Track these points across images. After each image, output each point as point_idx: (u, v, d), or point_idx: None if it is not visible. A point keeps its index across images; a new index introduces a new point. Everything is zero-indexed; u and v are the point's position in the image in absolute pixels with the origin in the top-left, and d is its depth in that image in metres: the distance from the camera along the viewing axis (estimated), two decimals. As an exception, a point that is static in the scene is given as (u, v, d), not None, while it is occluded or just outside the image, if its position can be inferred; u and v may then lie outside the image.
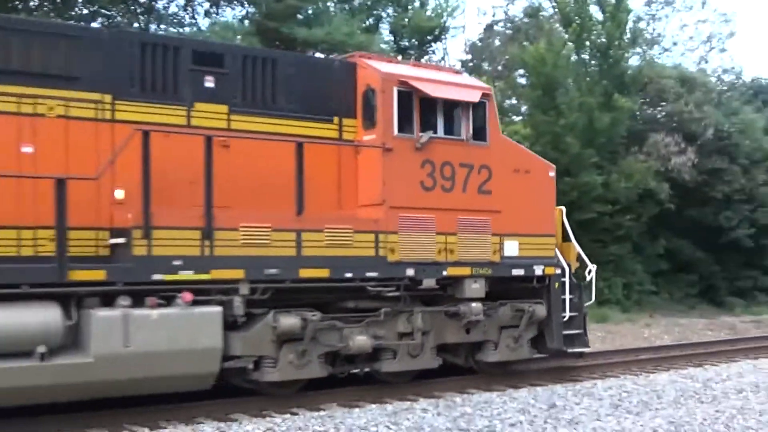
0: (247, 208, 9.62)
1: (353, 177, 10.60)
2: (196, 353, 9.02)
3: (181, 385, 9.22)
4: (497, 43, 28.70)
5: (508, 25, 29.80)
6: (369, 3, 24.33)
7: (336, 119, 10.59)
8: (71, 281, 8.38)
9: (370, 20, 24.45)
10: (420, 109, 10.63)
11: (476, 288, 11.03)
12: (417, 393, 10.74)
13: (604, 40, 24.38)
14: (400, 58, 21.84)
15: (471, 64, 27.98)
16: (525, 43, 26.03)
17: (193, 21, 22.68)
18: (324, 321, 9.99)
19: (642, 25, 29.40)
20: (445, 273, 10.75)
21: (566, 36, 24.68)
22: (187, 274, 8.97)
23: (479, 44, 28.96)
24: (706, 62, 32.84)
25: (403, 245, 10.41)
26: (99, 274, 8.55)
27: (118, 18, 20.97)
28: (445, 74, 11.66)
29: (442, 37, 26.17)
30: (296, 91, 10.32)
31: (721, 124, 27.45)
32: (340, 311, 10.31)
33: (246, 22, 21.67)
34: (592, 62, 25.16)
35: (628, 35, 25.90)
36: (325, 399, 10.26)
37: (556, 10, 26.03)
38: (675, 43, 31.94)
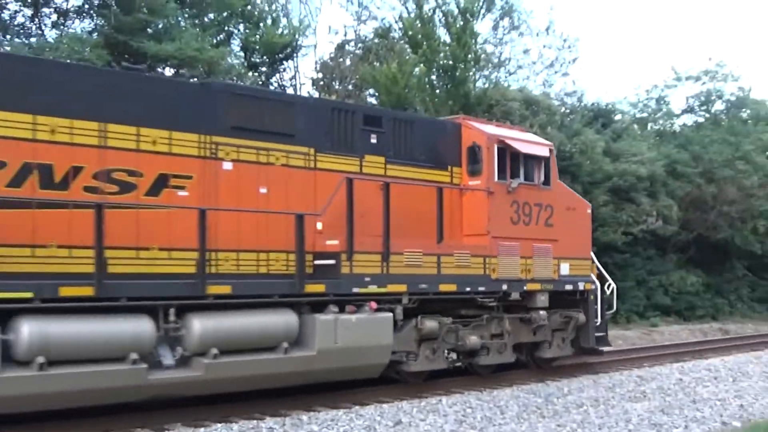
0: (398, 236, 12.42)
1: (459, 212, 13.62)
2: (377, 348, 11.79)
3: (364, 373, 11.94)
4: (348, 62, 28.41)
5: (359, 44, 29.56)
6: (220, 19, 23.93)
7: (449, 168, 13.61)
8: (305, 293, 10.99)
9: (221, 36, 24.08)
10: (510, 161, 13.83)
11: (543, 300, 14.30)
12: (263, 411, 10.77)
13: (450, 61, 24.79)
14: (251, 76, 23.22)
15: (322, 82, 27.64)
16: (376, 63, 26.21)
17: (40, 32, 21.59)
18: (451, 324, 12.96)
19: (489, 48, 29.96)
20: (525, 288, 13.95)
21: (416, 57, 24.92)
22: (373, 288, 11.74)
23: (330, 63, 28.52)
24: (550, 86, 33.43)
25: (501, 266, 13.54)
26: (321, 287, 11.19)
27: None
28: (518, 132, 14.92)
29: (294, 55, 26.16)
30: (424, 145, 13.27)
31: (564, 145, 28.13)
32: (453, 317, 13.27)
33: (95, 34, 20.89)
34: (439, 83, 25.49)
35: (473, 57, 26.10)
36: (169, 418, 10.16)
37: (404, 32, 26.43)
38: (521, 67, 32.41)
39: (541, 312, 14.28)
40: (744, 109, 41.60)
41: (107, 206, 9.40)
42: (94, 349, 9.16)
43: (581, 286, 15.03)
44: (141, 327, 9.53)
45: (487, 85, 28.04)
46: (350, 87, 27.36)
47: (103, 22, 21.10)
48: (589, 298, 15.23)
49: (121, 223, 9.74)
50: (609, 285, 15.82)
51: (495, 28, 30.85)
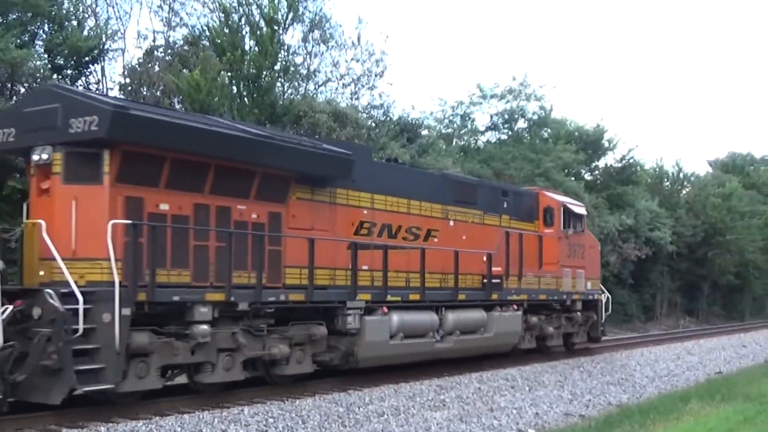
0: (515, 265, 20.19)
1: (540, 250, 21.61)
2: (514, 333, 19.53)
3: (507, 347, 19.61)
4: (157, 68, 27.53)
5: (168, 51, 28.80)
6: (24, 19, 22.81)
7: (534, 221, 21.59)
8: (490, 299, 18.59)
9: (25, 37, 23.05)
10: (568, 217, 22.02)
11: (579, 305, 22.57)
12: (59, 423, 10.68)
13: (253, 70, 24.85)
14: (55, 78, 22.07)
15: (129, 88, 27.04)
16: (184, 71, 26.05)
17: None
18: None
19: (299, 59, 30.07)
20: (573, 297, 22.15)
21: (220, 63, 24.73)
22: (514, 297, 19.49)
23: (139, 69, 27.58)
24: (358, 99, 33.07)
25: (563, 284, 21.67)
26: (496, 296, 18.80)
27: None
28: (568, 198, 23.13)
29: (101, 59, 25.39)
30: (523, 207, 21.17)
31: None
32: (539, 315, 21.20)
33: None
34: (245, 92, 25.48)
35: (281, 67, 26.27)
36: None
37: (210, 39, 26.29)
38: (330, 79, 32.34)
39: (578, 313, 22.56)
40: (545, 128, 43.55)
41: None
42: (416, 329, 16.35)
43: (595, 296, 23.46)
44: (433, 317, 16.81)
45: (294, 96, 28.19)
46: (158, 94, 26.97)
47: None
48: (599, 304, 23.67)
49: (415, 258, 16.93)
50: (605, 295, 24.33)
51: (305, 40, 30.51)
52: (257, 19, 25.94)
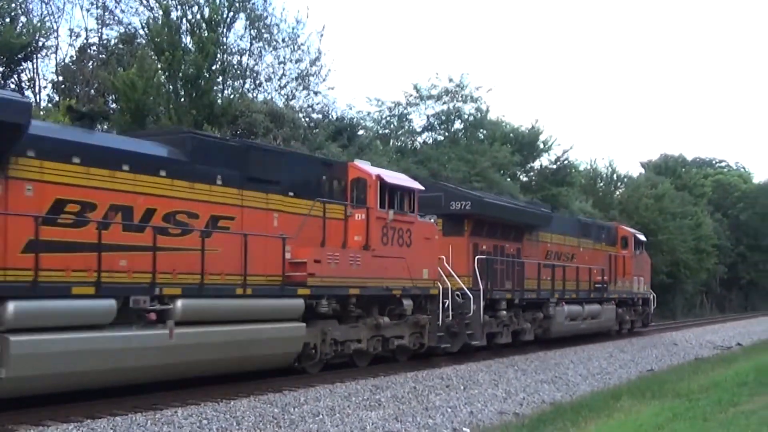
0: (613, 275, 31.10)
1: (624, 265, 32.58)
2: (613, 319, 30.48)
3: (606, 330, 30.49)
4: (91, 66, 27.33)
5: (102, 49, 28.57)
6: None
7: (615, 246, 32.55)
8: (602, 297, 29.45)
9: None
10: (636, 243, 33.08)
11: (640, 301, 33.69)
12: None
13: (192, 70, 24.83)
14: None
15: (63, 86, 26.91)
16: (120, 69, 25.67)
17: None
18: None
19: (236, 59, 29.75)
20: (638, 296, 33.23)
21: (159, 64, 24.49)
22: (612, 295, 30.41)
23: (72, 67, 27.48)
24: (294, 98, 32.93)
25: (634, 286, 32.70)
26: (605, 295, 29.65)
27: None
28: (635, 230, 34.20)
29: (33, 56, 25.17)
30: (611, 237, 32.10)
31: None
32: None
33: None
34: (183, 92, 25.27)
35: (219, 68, 26.44)
36: None
37: (149, 38, 25.94)
38: (268, 79, 32.09)
39: (640, 307, 33.69)
40: (481, 129, 43.16)
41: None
42: (574, 315, 27.04)
43: (648, 294, 34.63)
44: (580, 308, 27.53)
45: (233, 96, 28.11)
46: (92, 92, 26.71)
47: None
48: (649, 300, 34.83)
49: (570, 271, 27.53)
50: (653, 295, 35.45)
51: (243, 38, 30.48)
52: (198, 18, 26.23)
